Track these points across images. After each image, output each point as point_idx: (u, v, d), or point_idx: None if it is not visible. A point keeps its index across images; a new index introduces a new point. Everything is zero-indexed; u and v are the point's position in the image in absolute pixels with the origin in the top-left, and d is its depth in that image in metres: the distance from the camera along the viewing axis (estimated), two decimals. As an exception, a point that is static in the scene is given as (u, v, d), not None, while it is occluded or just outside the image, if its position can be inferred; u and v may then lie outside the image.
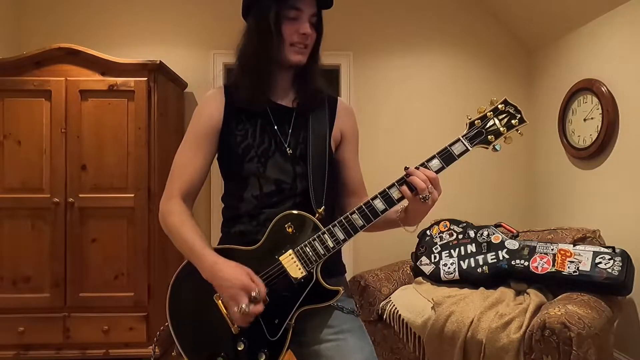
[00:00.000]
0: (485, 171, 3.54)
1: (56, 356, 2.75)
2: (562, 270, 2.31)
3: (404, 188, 1.10)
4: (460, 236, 2.76)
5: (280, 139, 1.21)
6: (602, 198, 2.78)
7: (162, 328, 1.25)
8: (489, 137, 1.14)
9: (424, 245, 2.85)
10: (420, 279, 2.78)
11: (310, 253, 1.10)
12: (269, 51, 1.17)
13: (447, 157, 1.12)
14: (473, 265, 2.62)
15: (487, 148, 1.15)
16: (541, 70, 3.48)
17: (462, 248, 2.71)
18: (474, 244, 2.69)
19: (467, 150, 1.13)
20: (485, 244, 2.65)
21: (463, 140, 1.13)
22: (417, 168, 1.12)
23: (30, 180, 2.76)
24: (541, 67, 3.48)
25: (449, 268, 2.68)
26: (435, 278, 2.71)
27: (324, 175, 1.21)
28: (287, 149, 1.21)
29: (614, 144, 2.67)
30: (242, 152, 1.20)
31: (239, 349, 1.09)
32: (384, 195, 1.11)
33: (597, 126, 2.75)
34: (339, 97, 1.34)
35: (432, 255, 2.78)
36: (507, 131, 1.14)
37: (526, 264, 2.44)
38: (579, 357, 1.85)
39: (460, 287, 2.59)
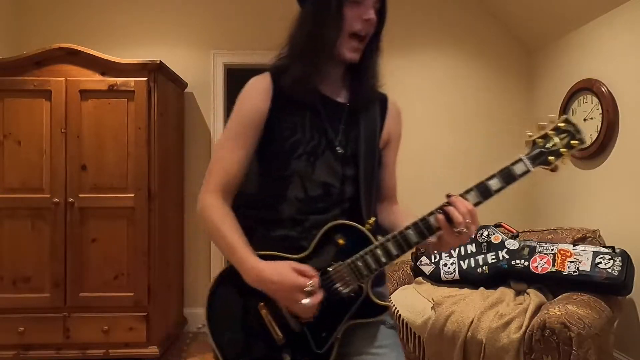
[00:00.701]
0: (485, 171, 3.53)
1: (56, 356, 2.75)
2: (562, 270, 2.31)
3: (441, 217, 1.02)
4: (460, 236, 2.76)
5: (331, 136, 1.11)
6: (602, 198, 2.78)
7: (197, 328, 1.17)
8: (549, 157, 1.08)
9: (424, 245, 2.85)
10: (420, 279, 2.79)
11: (362, 267, 1.03)
12: (325, 37, 1.06)
13: (507, 176, 1.08)
14: (473, 265, 2.62)
15: (546, 168, 1.09)
16: (541, 70, 3.48)
17: (462, 248, 2.71)
18: (474, 244, 2.69)
19: (528, 171, 1.07)
20: (485, 244, 2.65)
21: (525, 161, 1.08)
22: (471, 190, 1.06)
23: (30, 180, 2.76)
24: (541, 67, 3.48)
25: (449, 268, 2.68)
26: (435, 278, 2.72)
27: (373, 181, 1.14)
28: (338, 148, 1.11)
29: (614, 144, 2.67)
30: (289, 148, 1.09)
31: None
32: (441, 212, 1.04)
33: (597, 126, 2.75)
34: (388, 96, 1.22)
35: (432, 255, 2.78)
36: (568, 151, 1.07)
37: (526, 264, 2.44)
38: (579, 357, 1.85)
39: (460, 287, 2.60)
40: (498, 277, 2.54)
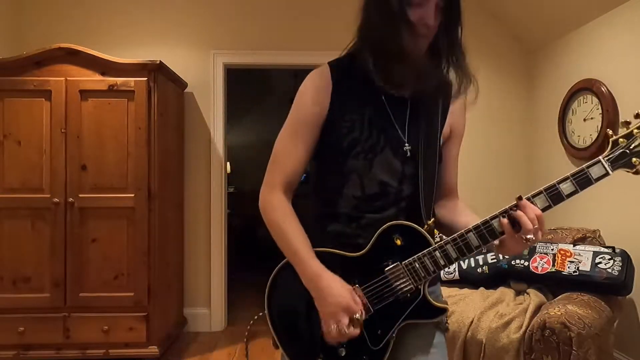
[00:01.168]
0: (485, 171, 3.54)
1: (56, 356, 2.75)
2: (562, 270, 2.31)
3: (505, 222, 0.98)
4: (460, 236, 2.76)
5: (393, 134, 1.08)
6: (602, 198, 2.78)
7: (256, 317, 1.20)
8: (633, 159, 0.98)
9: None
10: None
11: (419, 269, 1.03)
12: (399, 40, 1.01)
13: (583, 181, 0.98)
14: (473, 265, 2.62)
15: (629, 171, 0.99)
16: (541, 70, 3.48)
17: (462, 248, 2.71)
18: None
19: (607, 174, 0.98)
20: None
21: (604, 162, 0.97)
22: (540, 193, 0.99)
23: (30, 180, 2.76)
24: (541, 67, 3.48)
25: (449, 268, 2.68)
26: (435, 278, 2.72)
27: (434, 179, 1.10)
28: (401, 145, 1.08)
29: (614, 144, 2.67)
30: (347, 145, 1.07)
31: (341, 355, 1.05)
32: (508, 215, 0.99)
33: (597, 126, 2.75)
34: (455, 86, 1.13)
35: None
36: None
37: (526, 264, 2.44)
38: (579, 357, 1.85)
39: (460, 287, 2.60)
40: (498, 277, 2.54)
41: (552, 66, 3.32)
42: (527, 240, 0.95)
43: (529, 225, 0.94)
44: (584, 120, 2.89)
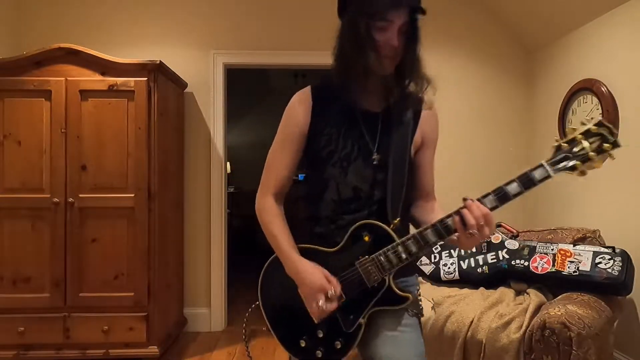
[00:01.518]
0: (485, 171, 3.54)
1: (56, 356, 2.75)
2: (562, 270, 2.31)
3: (457, 219, 1.11)
4: (460, 236, 2.76)
5: (365, 145, 1.24)
6: (602, 198, 2.78)
7: (251, 308, 1.40)
8: (575, 163, 1.08)
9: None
10: (420, 279, 2.79)
11: (385, 262, 1.17)
12: (367, 62, 1.16)
13: (526, 181, 1.11)
14: (473, 265, 2.62)
15: (571, 174, 1.09)
16: (541, 70, 3.48)
17: (462, 248, 2.71)
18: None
19: (548, 176, 1.09)
20: (485, 244, 2.65)
21: (546, 166, 1.10)
22: (488, 195, 1.12)
23: (30, 180, 2.76)
24: (541, 67, 3.48)
25: (448, 268, 2.68)
26: (435, 278, 2.72)
27: (403, 185, 1.23)
28: (370, 155, 1.24)
29: (614, 144, 2.67)
30: (325, 155, 1.25)
31: (319, 335, 1.24)
32: (457, 215, 1.12)
33: (597, 126, 2.75)
34: (424, 99, 1.32)
35: (432, 255, 2.78)
36: (597, 156, 1.06)
37: (526, 264, 2.44)
38: (579, 357, 1.85)
39: (460, 287, 2.60)
40: (498, 277, 2.54)
41: (552, 66, 3.32)
42: (472, 235, 1.09)
43: (472, 222, 1.08)
44: (582, 122, 2.89)
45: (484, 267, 2.58)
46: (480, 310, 2.22)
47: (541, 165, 1.10)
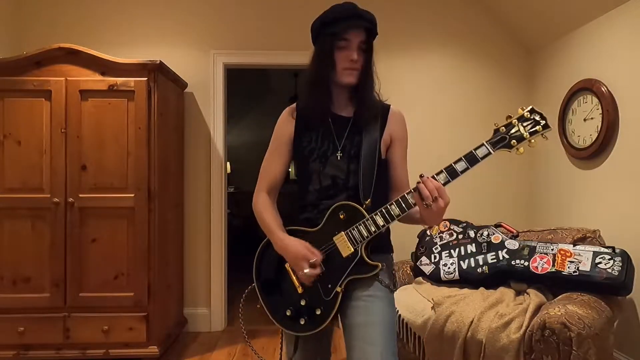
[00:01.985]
0: (485, 171, 3.54)
1: (56, 356, 2.75)
2: (562, 270, 2.31)
3: (416, 194, 1.31)
4: (460, 236, 2.76)
5: (337, 143, 1.49)
6: (602, 198, 2.78)
7: (248, 289, 1.56)
8: (511, 142, 1.30)
9: (424, 245, 2.85)
10: (420, 279, 2.78)
11: (357, 235, 1.37)
12: (326, 74, 1.45)
13: (471, 159, 1.31)
14: (473, 265, 2.62)
15: (509, 151, 1.31)
16: (541, 70, 3.49)
17: (462, 248, 2.71)
18: (474, 244, 2.69)
19: (489, 153, 1.30)
20: (485, 244, 2.65)
21: (486, 145, 1.31)
22: (441, 172, 1.32)
23: (30, 180, 2.76)
24: (541, 67, 3.48)
25: (449, 268, 2.68)
26: (435, 278, 2.72)
27: (373, 173, 1.45)
28: (339, 152, 1.48)
29: (614, 144, 2.67)
30: (307, 154, 1.51)
31: (302, 304, 1.43)
32: (417, 190, 1.32)
33: (597, 126, 2.75)
34: (390, 105, 1.56)
35: (432, 255, 2.78)
36: (530, 136, 1.30)
37: (526, 264, 2.44)
38: (579, 357, 1.85)
39: (460, 287, 2.59)
40: (498, 277, 2.54)
41: (552, 66, 3.33)
42: (428, 205, 1.28)
43: (427, 193, 1.28)
44: (584, 120, 2.89)
45: (484, 267, 2.58)
46: (480, 310, 2.22)
47: (482, 145, 1.30)
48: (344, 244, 1.39)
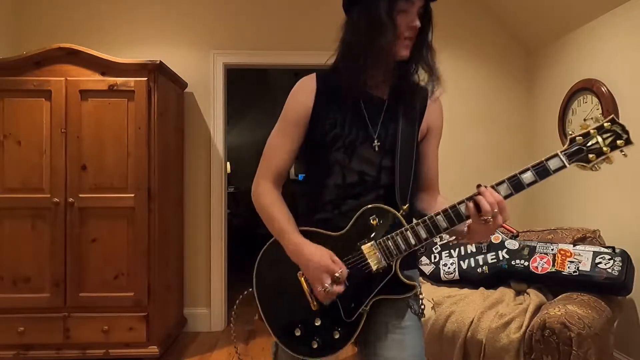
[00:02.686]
0: (484, 171, 3.54)
1: (56, 356, 2.75)
2: (562, 270, 2.31)
3: (471, 205, 1.11)
4: (460, 236, 2.76)
5: (369, 131, 1.22)
6: (602, 198, 2.78)
7: (244, 294, 1.32)
8: (589, 155, 1.10)
9: (424, 245, 2.85)
10: (420, 278, 2.78)
11: (392, 247, 1.14)
12: (383, 44, 1.14)
13: (542, 171, 1.10)
14: (473, 265, 2.62)
15: (585, 167, 1.10)
16: (541, 70, 3.48)
17: (462, 248, 2.71)
18: (473, 244, 2.69)
19: (564, 166, 1.10)
20: (485, 244, 2.65)
21: (561, 156, 1.10)
22: (502, 182, 1.12)
23: (30, 180, 2.76)
24: (541, 67, 3.48)
25: (448, 268, 2.68)
26: (435, 278, 2.72)
27: (411, 171, 1.23)
28: (375, 142, 1.22)
29: (614, 144, 2.67)
30: (330, 140, 1.21)
31: (316, 324, 1.17)
32: (472, 201, 1.12)
33: (597, 126, 2.75)
34: (430, 90, 1.29)
35: (432, 255, 2.78)
36: (611, 151, 1.09)
37: (526, 264, 2.44)
38: (579, 357, 1.85)
39: (460, 287, 2.60)
40: (498, 277, 2.54)
41: (552, 66, 3.33)
42: (487, 221, 1.08)
43: (487, 207, 1.07)
44: (584, 120, 2.89)
45: (484, 267, 2.58)
46: (480, 310, 2.22)
47: (556, 155, 1.10)
48: (374, 256, 1.14)
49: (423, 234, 1.13)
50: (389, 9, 1.13)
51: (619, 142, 1.09)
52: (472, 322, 2.18)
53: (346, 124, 1.22)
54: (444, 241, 2.79)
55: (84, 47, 2.80)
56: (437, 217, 1.13)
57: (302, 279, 1.17)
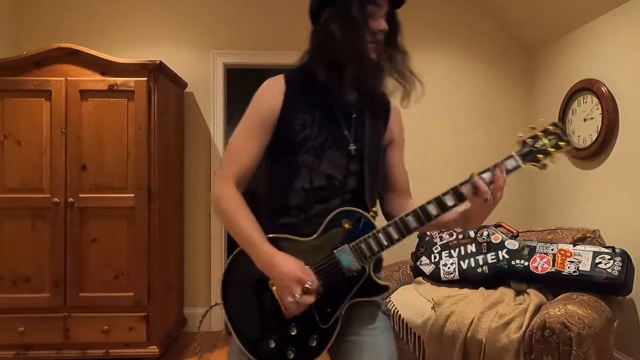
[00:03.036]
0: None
1: (56, 356, 2.75)
2: (562, 270, 2.31)
3: (465, 187, 1.15)
4: (460, 236, 2.76)
5: (340, 134, 1.22)
6: (602, 198, 2.78)
7: (210, 307, 1.32)
8: (538, 155, 1.18)
9: (424, 245, 2.85)
10: (420, 279, 2.78)
11: (365, 249, 1.15)
12: (359, 45, 1.14)
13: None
14: (473, 265, 2.62)
15: (536, 165, 1.19)
16: (541, 70, 3.48)
17: (462, 248, 2.71)
18: (474, 244, 2.69)
19: (519, 166, 1.17)
20: (485, 244, 2.65)
21: (516, 157, 1.17)
22: (465, 183, 1.17)
23: (30, 180, 2.76)
24: (541, 67, 3.48)
25: (449, 268, 2.68)
26: (435, 278, 2.71)
27: (378, 176, 1.25)
28: (347, 145, 1.22)
29: (614, 144, 2.67)
30: (299, 142, 1.19)
31: (292, 333, 1.14)
32: (438, 201, 1.16)
33: (597, 126, 2.75)
34: (391, 99, 1.32)
35: (432, 255, 2.78)
36: (556, 151, 1.19)
37: (526, 264, 2.44)
38: (579, 357, 1.85)
39: (460, 287, 2.59)
40: (498, 277, 2.54)
41: (552, 66, 3.32)
42: (486, 200, 1.13)
43: (484, 186, 1.13)
44: (584, 120, 2.89)
45: (484, 267, 2.58)
46: (480, 310, 2.22)
47: (512, 156, 1.18)
48: (347, 259, 1.14)
49: (395, 235, 1.15)
50: (361, 11, 1.14)
51: (560, 143, 1.19)
52: (472, 322, 2.18)
53: (315, 126, 1.20)
54: (444, 241, 2.79)
55: (84, 47, 2.80)
56: (408, 217, 1.15)
57: (274, 287, 1.14)
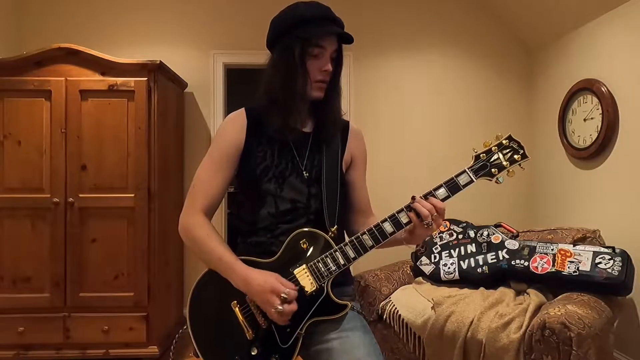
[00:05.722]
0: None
1: (56, 356, 2.75)
2: (562, 270, 2.31)
3: (412, 214, 1.17)
4: (460, 236, 2.76)
5: (297, 162, 1.29)
6: (602, 198, 2.78)
7: (179, 332, 1.34)
8: (492, 170, 1.21)
9: (424, 245, 2.85)
10: (420, 279, 2.78)
11: (323, 269, 1.17)
12: (295, 86, 1.23)
13: (453, 186, 1.20)
14: (473, 265, 2.62)
15: (490, 180, 1.22)
16: (541, 70, 3.49)
17: (462, 248, 2.71)
18: (474, 244, 2.69)
19: (472, 181, 1.20)
20: (485, 244, 2.65)
21: (469, 172, 1.21)
22: (425, 197, 1.19)
23: (30, 180, 2.76)
24: (541, 67, 3.48)
25: (449, 268, 2.68)
26: (435, 278, 2.71)
27: (337, 197, 1.29)
28: (304, 172, 1.28)
29: (614, 144, 2.67)
30: (260, 172, 1.27)
31: (253, 353, 1.17)
32: (393, 219, 1.19)
33: (597, 126, 2.75)
34: (349, 122, 1.40)
35: (432, 255, 2.78)
36: (510, 165, 1.22)
37: (526, 264, 2.44)
38: (579, 357, 1.85)
39: (460, 287, 2.59)
40: (498, 277, 2.54)
41: (552, 66, 3.33)
42: (428, 224, 1.15)
43: (426, 212, 1.15)
44: (584, 120, 2.89)
45: (484, 267, 2.58)
46: (480, 310, 2.22)
47: (464, 172, 1.21)
48: (306, 279, 1.16)
49: (351, 254, 1.18)
50: (302, 54, 1.21)
51: (516, 156, 1.23)
52: (472, 322, 2.18)
53: (275, 156, 1.28)
54: (444, 241, 2.79)
55: (84, 47, 2.80)
56: (363, 236, 1.18)
57: (237, 308, 1.19)
